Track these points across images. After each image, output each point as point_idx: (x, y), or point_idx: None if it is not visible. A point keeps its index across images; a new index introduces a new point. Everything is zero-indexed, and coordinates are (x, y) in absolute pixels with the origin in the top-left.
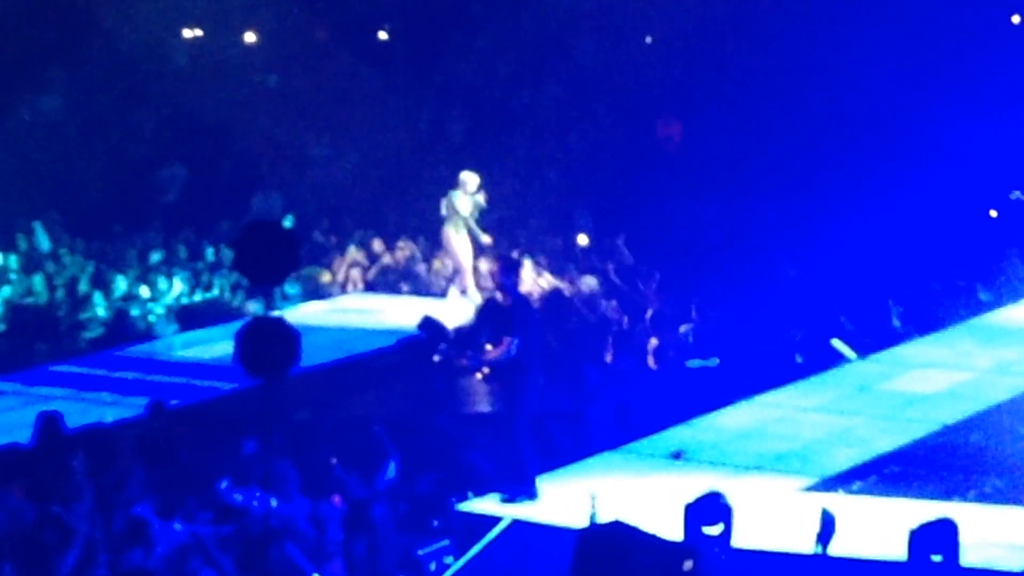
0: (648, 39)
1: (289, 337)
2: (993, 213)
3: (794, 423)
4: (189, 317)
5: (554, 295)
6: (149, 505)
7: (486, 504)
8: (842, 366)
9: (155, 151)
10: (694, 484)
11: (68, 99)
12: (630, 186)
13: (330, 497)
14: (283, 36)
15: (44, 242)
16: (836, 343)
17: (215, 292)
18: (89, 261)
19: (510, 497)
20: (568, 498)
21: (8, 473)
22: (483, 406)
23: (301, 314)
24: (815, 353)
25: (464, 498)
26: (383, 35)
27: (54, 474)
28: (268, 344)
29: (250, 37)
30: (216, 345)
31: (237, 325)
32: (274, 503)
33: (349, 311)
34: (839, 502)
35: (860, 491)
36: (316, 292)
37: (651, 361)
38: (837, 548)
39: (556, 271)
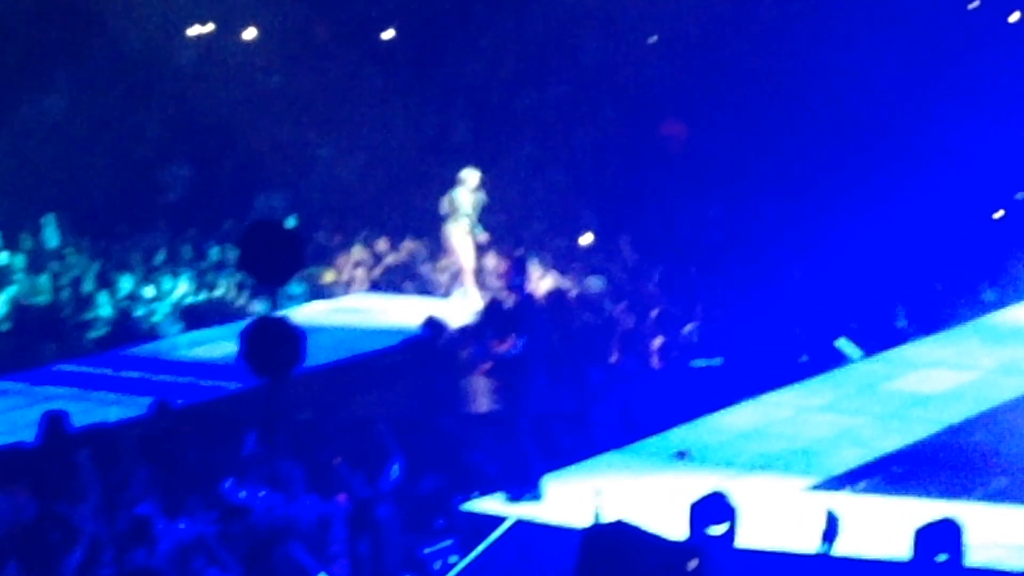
0: (652, 39)
1: (293, 337)
2: (999, 213)
3: (799, 423)
4: (194, 317)
5: (558, 295)
6: (154, 504)
7: (490, 504)
8: (847, 366)
9: (159, 151)
10: (698, 484)
11: (72, 99)
12: (634, 186)
13: (335, 496)
14: (287, 35)
15: (53, 238)
16: (841, 343)
17: (220, 292)
18: (94, 261)
19: (514, 497)
20: (572, 498)
21: (13, 472)
22: (486, 406)
23: (305, 314)
24: (820, 353)
25: (468, 498)
26: (387, 35)
27: (59, 473)
28: (272, 344)
29: (254, 37)
30: (221, 345)
31: (242, 325)
32: (279, 502)
33: (353, 311)
34: (844, 502)
35: (865, 491)
36: (320, 292)
37: (655, 361)
38: (842, 548)
39: (560, 270)
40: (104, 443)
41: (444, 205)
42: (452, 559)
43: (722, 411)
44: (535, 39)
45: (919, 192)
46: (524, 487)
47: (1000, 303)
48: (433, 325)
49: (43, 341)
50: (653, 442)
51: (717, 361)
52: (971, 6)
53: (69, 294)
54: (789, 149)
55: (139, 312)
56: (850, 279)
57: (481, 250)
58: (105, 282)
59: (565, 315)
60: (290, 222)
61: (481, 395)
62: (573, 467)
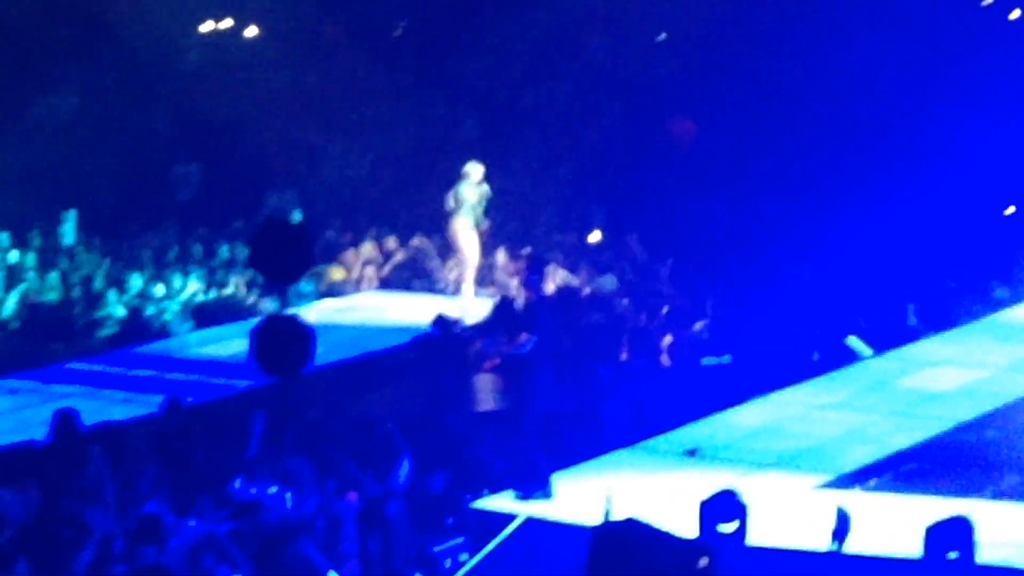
0: (660, 37)
1: (303, 335)
2: (1009, 210)
3: (809, 420)
4: (204, 315)
5: (567, 293)
6: (164, 502)
7: (500, 502)
8: (858, 363)
9: (169, 149)
10: (709, 482)
11: (82, 98)
12: (643, 183)
13: (345, 494)
14: (296, 34)
15: (70, 235)
16: (852, 340)
17: (230, 290)
18: (104, 259)
19: (524, 494)
20: (582, 496)
21: (24, 469)
22: (496, 404)
23: (315, 312)
24: (831, 350)
25: (478, 495)
26: (395, 33)
27: (70, 471)
28: (282, 342)
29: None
30: (231, 343)
31: (252, 323)
32: (289, 500)
33: (363, 309)
34: (855, 499)
35: (876, 488)
36: (330, 290)
37: (665, 359)
38: (853, 546)
39: (569, 268)
40: (115, 441)
41: (449, 200)
42: (462, 557)
43: (732, 409)
44: (542, 37)
45: (930, 189)
46: (534, 485)
47: (1011, 300)
48: (443, 323)
49: (54, 339)
50: (663, 440)
51: (727, 359)
52: (984, 2)
53: (79, 292)
54: (800, 146)
55: (149, 310)
56: (861, 277)
57: (488, 247)
58: (115, 280)
59: (575, 313)
60: (298, 220)
61: (490, 393)
62: (583, 465)
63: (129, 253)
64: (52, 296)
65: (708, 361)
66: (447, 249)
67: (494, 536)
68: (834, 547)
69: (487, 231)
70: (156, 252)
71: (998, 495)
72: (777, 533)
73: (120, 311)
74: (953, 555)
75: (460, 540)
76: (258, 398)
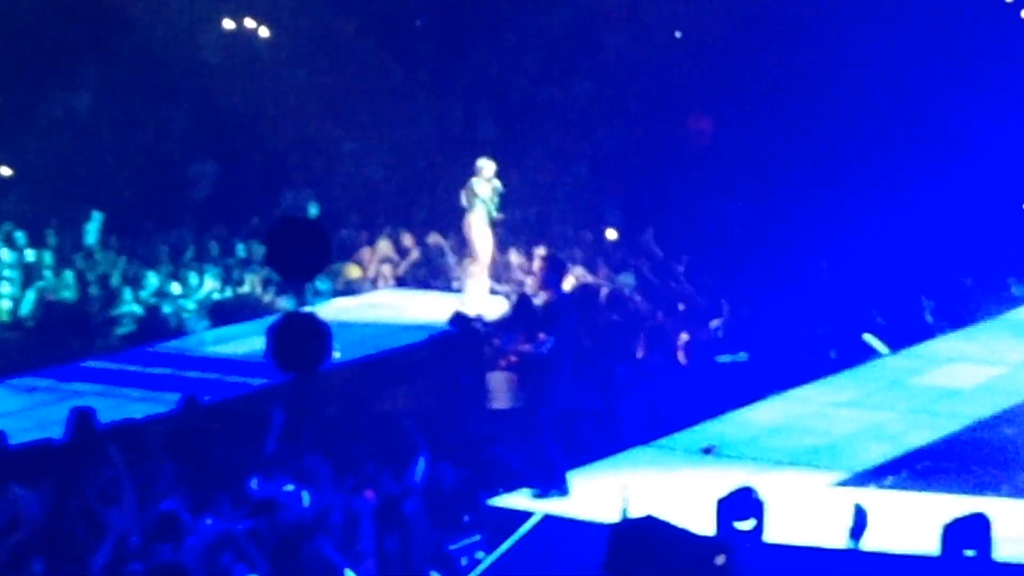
0: (677, 34)
1: (320, 333)
2: None
3: (826, 418)
4: (220, 313)
5: (584, 291)
6: (181, 500)
7: (517, 499)
8: (874, 361)
9: (186, 148)
10: (726, 479)
11: (99, 96)
12: (659, 181)
13: (362, 492)
14: (312, 32)
15: (92, 235)
16: (868, 338)
17: (246, 288)
18: (121, 257)
19: (541, 492)
20: (600, 493)
21: (42, 468)
22: (512, 402)
23: (332, 310)
24: (847, 348)
25: (495, 493)
26: (413, 31)
27: (87, 469)
28: (299, 340)
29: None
30: (247, 341)
31: (268, 321)
32: (306, 498)
33: (380, 307)
34: (871, 497)
35: (892, 486)
36: (347, 288)
37: (682, 356)
38: (869, 543)
39: (585, 266)
40: (132, 439)
41: (463, 198)
42: (479, 555)
43: (749, 407)
44: (559, 35)
45: (946, 186)
46: (551, 483)
47: None
48: (460, 321)
49: (70, 338)
50: (680, 438)
51: (743, 356)
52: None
53: (96, 291)
54: (815, 144)
55: (166, 309)
56: (877, 274)
57: (505, 244)
58: (132, 279)
59: (592, 311)
60: (314, 216)
61: (508, 391)
62: (600, 463)
63: (146, 251)
64: (69, 294)
65: (724, 359)
66: (463, 247)
67: (511, 534)
68: (851, 544)
69: (500, 227)
70: (173, 250)
71: (1015, 492)
72: (794, 530)
73: (137, 309)
74: (970, 553)
75: (477, 538)
76: (275, 396)
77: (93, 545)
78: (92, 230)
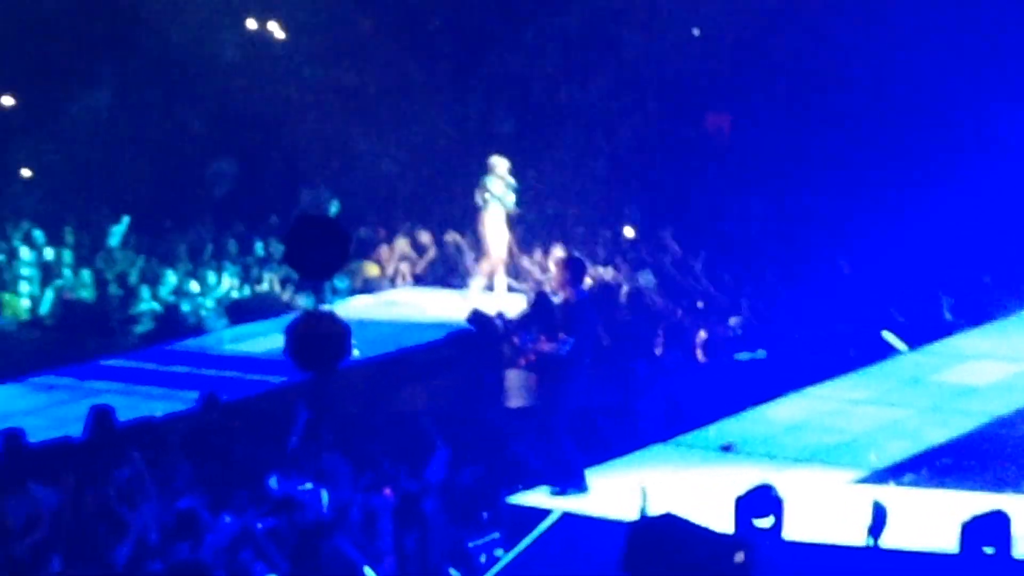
0: (696, 32)
1: (338, 331)
2: None
3: (845, 415)
4: (239, 311)
5: (603, 288)
6: (200, 498)
7: (536, 497)
8: (893, 358)
9: (204, 146)
10: (744, 476)
11: (117, 95)
12: (678, 179)
13: (381, 490)
14: (331, 31)
15: (117, 236)
16: (887, 335)
17: (265, 286)
18: (139, 256)
19: (560, 490)
20: (618, 491)
21: (61, 465)
22: (530, 400)
23: (350, 308)
24: (866, 345)
25: (514, 491)
26: (431, 29)
27: (106, 467)
28: (318, 338)
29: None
30: (266, 339)
31: (287, 319)
32: (325, 496)
33: (398, 305)
34: (890, 494)
35: (911, 483)
36: (365, 286)
37: (700, 354)
38: (888, 540)
39: (604, 264)
40: (151, 437)
41: (477, 197)
42: (498, 552)
43: (767, 404)
44: (578, 33)
45: (966, 184)
46: (569, 480)
47: None
48: (478, 319)
49: (89, 336)
50: (699, 435)
51: (762, 354)
52: None
53: (115, 289)
54: (834, 141)
55: (185, 307)
56: (896, 271)
57: (524, 242)
58: (151, 277)
59: (610, 309)
60: (333, 214)
61: (526, 390)
62: (619, 460)
63: (164, 249)
64: (87, 293)
65: (743, 356)
66: (481, 245)
67: (530, 532)
68: (870, 542)
69: (519, 225)
70: (191, 248)
71: None
72: (813, 528)
73: (155, 308)
74: (989, 550)
75: (496, 536)
76: (293, 395)
77: (112, 543)
78: (117, 232)
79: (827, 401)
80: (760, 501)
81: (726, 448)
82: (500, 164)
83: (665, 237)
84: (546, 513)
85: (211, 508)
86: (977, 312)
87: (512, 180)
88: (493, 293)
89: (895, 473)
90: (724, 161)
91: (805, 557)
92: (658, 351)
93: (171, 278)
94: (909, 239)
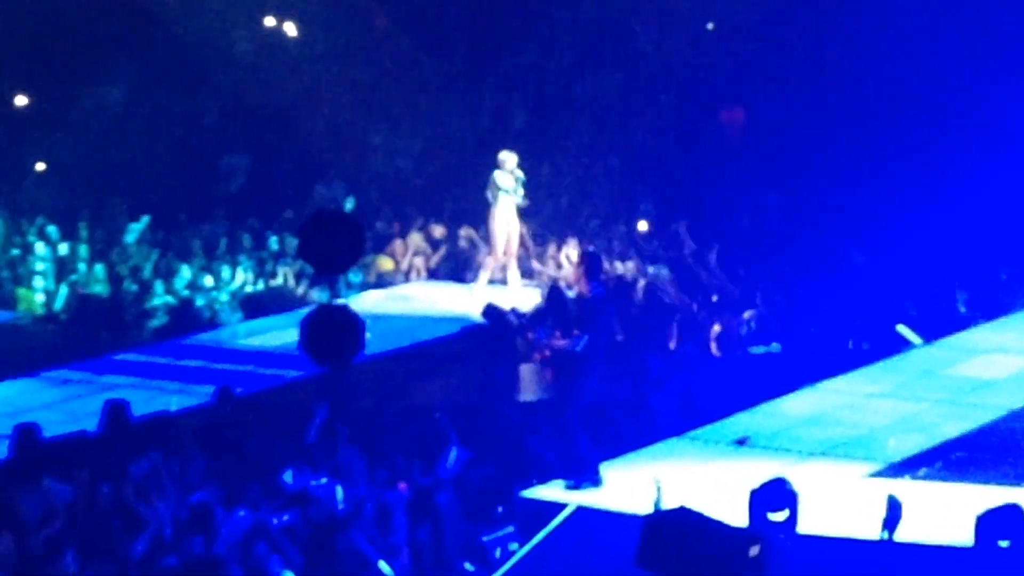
0: (709, 26)
1: (353, 325)
2: None
3: (859, 409)
4: (253, 306)
5: (617, 283)
6: (214, 492)
7: (550, 491)
8: (908, 352)
9: (218, 141)
10: (759, 470)
11: (132, 90)
12: (692, 172)
13: (395, 484)
14: (345, 25)
15: (134, 234)
16: (901, 329)
17: (279, 281)
18: (154, 250)
19: (574, 484)
20: (632, 485)
21: (76, 460)
22: (544, 395)
23: (364, 302)
24: (880, 339)
25: (528, 485)
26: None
27: (121, 461)
28: (332, 332)
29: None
30: (280, 333)
31: (301, 313)
32: (340, 491)
33: (412, 299)
34: (905, 488)
35: (926, 477)
36: (379, 280)
37: (715, 348)
38: (903, 534)
39: (618, 258)
40: (165, 431)
41: (488, 194)
42: (512, 546)
43: (782, 398)
44: (592, 26)
45: (982, 178)
46: (584, 474)
47: None
48: (492, 313)
49: (103, 330)
50: (713, 429)
51: (776, 348)
52: None
53: (129, 284)
54: (848, 135)
55: (199, 301)
56: (911, 265)
57: (537, 236)
58: (165, 271)
59: (625, 303)
60: (348, 209)
61: (539, 384)
62: (633, 454)
63: (179, 244)
64: (102, 288)
65: (757, 350)
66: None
67: (544, 526)
68: (884, 536)
69: (533, 218)
70: (206, 243)
71: None
72: (827, 522)
73: (170, 302)
74: (1004, 543)
75: (510, 530)
76: (308, 389)
77: (128, 538)
78: (135, 229)
79: (841, 395)
80: (774, 495)
81: (740, 442)
82: (509, 159)
83: (680, 231)
84: (560, 507)
85: (225, 502)
86: (992, 306)
87: (521, 175)
88: (507, 287)
89: (910, 467)
90: (738, 155)
91: (820, 551)
92: (672, 345)
93: (185, 272)
94: (924, 233)
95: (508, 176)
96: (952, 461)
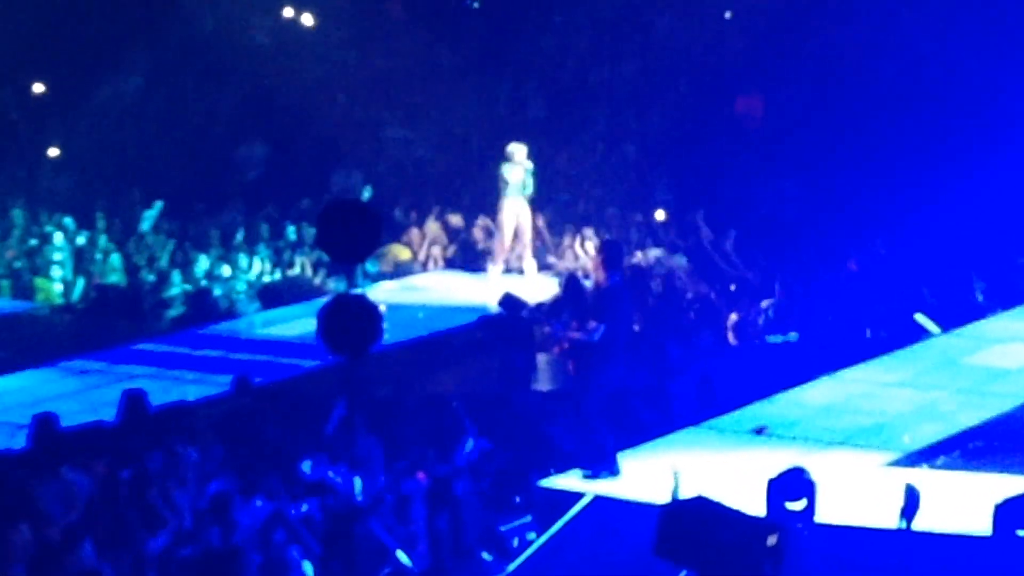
0: (728, 14)
1: (371, 315)
2: None
3: (877, 398)
4: (271, 295)
5: (635, 271)
6: (232, 482)
7: (568, 480)
8: (926, 341)
9: (236, 130)
10: (777, 459)
11: (149, 80)
12: (709, 161)
13: (413, 474)
14: (361, 14)
15: (149, 221)
16: (919, 318)
17: (297, 270)
18: (171, 240)
19: (592, 473)
20: (650, 474)
21: (94, 450)
22: (562, 385)
23: (382, 292)
24: (898, 328)
25: (546, 474)
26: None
27: (139, 451)
28: (350, 322)
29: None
30: (298, 323)
31: (319, 303)
32: (358, 480)
33: (430, 288)
34: (923, 477)
35: (944, 466)
36: (396, 270)
37: (732, 337)
38: (921, 523)
39: (636, 247)
40: (183, 421)
41: (498, 184)
42: (530, 535)
43: (800, 387)
44: (609, 15)
45: (1000, 166)
46: (602, 464)
47: None
48: (510, 302)
49: (122, 320)
50: (731, 418)
51: (794, 337)
52: None
53: (146, 273)
54: (866, 123)
55: (217, 291)
56: (928, 254)
57: (553, 226)
58: (182, 261)
59: (642, 292)
60: (366, 198)
61: (558, 374)
62: (651, 443)
63: (196, 234)
64: (119, 278)
65: (775, 339)
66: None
67: (562, 515)
68: (902, 525)
69: (549, 208)
70: (223, 232)
71: None
72: (845, 511)
73: (187, 291)
74: (1023, 532)
75: (528, 519)
76: (325, 378)
77: (145, 526)
78: (149, 216)
79: (859, 384)
80: (793, 484)
81: (758, 431)
82: (518, 151)
83: (697, 220)
84: (578, 496)
85: (243, 492)
86: (1010, 295)
87: (531, 166)
88: (523, 277)
89: (928, 456)
90: (756, 144)
91: (838, 540)
92: (691, 334)
93: (203, 262)
94: (942, 221)
95: (517, 169)
96: (970, 450)
